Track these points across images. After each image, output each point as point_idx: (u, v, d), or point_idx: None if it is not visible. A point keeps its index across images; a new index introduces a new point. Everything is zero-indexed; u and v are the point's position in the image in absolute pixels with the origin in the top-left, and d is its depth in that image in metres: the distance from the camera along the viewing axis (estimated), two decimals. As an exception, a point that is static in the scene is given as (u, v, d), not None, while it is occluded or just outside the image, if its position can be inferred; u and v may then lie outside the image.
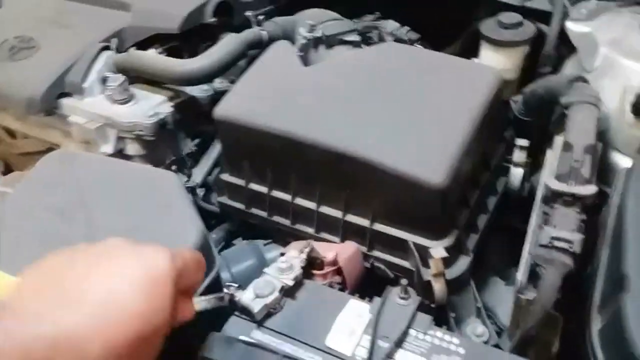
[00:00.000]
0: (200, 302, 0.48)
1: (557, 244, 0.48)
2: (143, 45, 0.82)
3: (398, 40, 0.79)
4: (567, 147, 0.55)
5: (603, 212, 0.60)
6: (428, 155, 0.56)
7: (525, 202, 0.75)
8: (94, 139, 0.74)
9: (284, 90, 0.66)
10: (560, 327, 0.55)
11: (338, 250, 0.60)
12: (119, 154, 0.75)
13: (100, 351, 0.32)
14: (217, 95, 0.80)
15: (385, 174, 0.57)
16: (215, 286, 0.59)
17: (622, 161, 0.63)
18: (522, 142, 0.65)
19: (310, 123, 0.61)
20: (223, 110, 0.66)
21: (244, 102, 0.66)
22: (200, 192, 0.82)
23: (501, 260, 0.75)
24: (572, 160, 0.53)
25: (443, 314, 0.60)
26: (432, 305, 0.60)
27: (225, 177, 0.71)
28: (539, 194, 0.60)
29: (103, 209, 0.57)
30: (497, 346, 0.61)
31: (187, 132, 0.80)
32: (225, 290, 0.52)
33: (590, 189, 0.52)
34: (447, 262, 0.59)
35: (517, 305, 0.57)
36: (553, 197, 0.54)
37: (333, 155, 0.59)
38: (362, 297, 0.54)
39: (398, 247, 0.61)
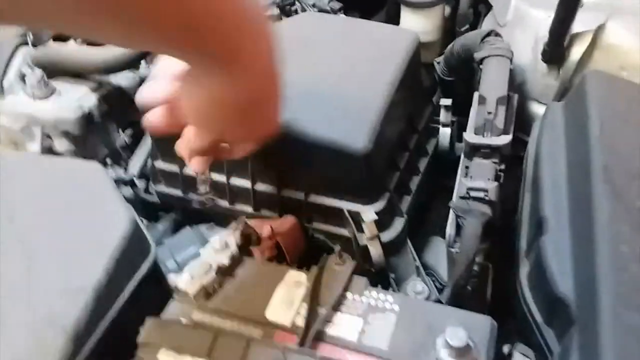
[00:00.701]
0: None
1: (473, 194, 0.50)
2: (61, 37, 0.79)
3: (321, 10, 0.79)
4: (481, 100, 0.57)
5: (524, 161, 0.62)
6: (349, 121, 0.57)
7: (459, 161, 0.78)
8: (20, 139, 0.71)
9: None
10: (490, 275, 0.57)
11: (275, 225, 0.61)
12: (49, 152, 0.74)
13: None
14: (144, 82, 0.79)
15: (311, 144, 0.57)
16: (153, 275, 0.59)
17: (541, 111, 0.65)
18: (446, 101, 0.67)
19: (233, 101, 0.61)
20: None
21: (167, 86, 0.65)
22: (141, 183, 0.81)
23: (442, 220, 0.77)
24: (486, 112, 0.55)
25: (384, 276, 0.62)
26: (373, 269, 0.61)
27: (159, 164, 0.70)
28: (462, 151, 0.61)
29: (28, 206, 0.56)
30: (438, 301, 0.63)
31: (118, 123, 0.79)
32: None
33: (505, 139, 0.54)
34: (382, 225, 0.60)
35: (450, 259, 0.59)
36: (472, 151, 0.55)
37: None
38: (304, 268, 0.55)
39: (334, 216, 0.62)
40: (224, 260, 0.55)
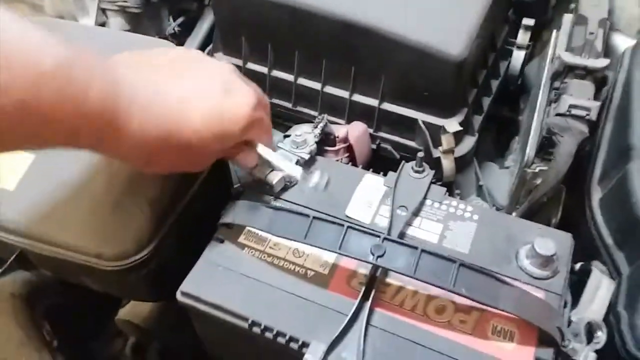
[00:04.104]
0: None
1: (574, 111, 0.49)
2: None
3: None
4: (581, 20, 0.55)
5: (604, 92, 0.61)
6: (445, 25, 0.54)
7: (516, 91, 0.77)
8: (70, 12, 0.66)
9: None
10: (562, 198, 0.57)
11: (348, 129, 0.59)
12: (99, 30, 0.69)
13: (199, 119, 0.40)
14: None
15: (399, 45, 0.55)
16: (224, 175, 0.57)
17: (623, 44, 0.64)
18: (528, 21, 0.65)
19: (316, -9, 0.58)
20: (221, -21, 0.61)
21: (244, -30, 0.60)
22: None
23: (492, 146, 0.77)
24: (587, 32, 0.53)
25: (449, 191, 0.62)
26: (439, 183, 0.61)
27: (219, 56, 0.67)
28: (546, 72, 0.60)
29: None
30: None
31: (169, 9, 0.74)
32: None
33: (604, 62, 0.53)
34: (455, 140, 0.59)
35: (521, 180, 0.59)
36: (566, 71, 0.54)
37: (341, 26, 0.56)
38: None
39: (406, 126, 0.61)
40: (304, 155, 0.53)
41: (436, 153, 0.59)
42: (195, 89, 0.41)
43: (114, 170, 0.47)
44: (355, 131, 0.59)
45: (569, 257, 0.48)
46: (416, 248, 0.43)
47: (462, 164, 0.62)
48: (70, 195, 0.46)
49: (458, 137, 0.60)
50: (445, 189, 0.53)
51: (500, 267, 0.47)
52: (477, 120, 0.63)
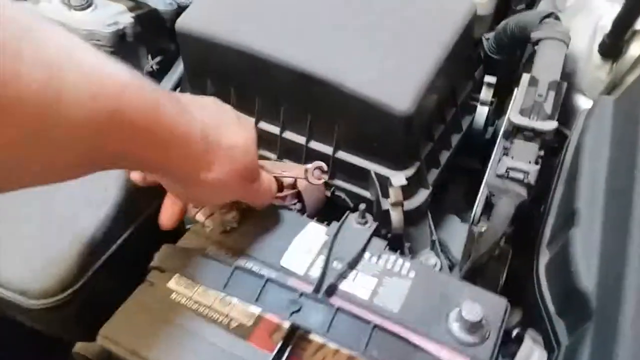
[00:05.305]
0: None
1: (512, 174, 0.49)
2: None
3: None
4: (532, 81, 0.55)
5: (561, 153, 0.61)
6: (394, 82, 0.55)
7: (487, 144, 0.76)
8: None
9: (253, 6, 0.63)
10: (509, 260, 0.56)
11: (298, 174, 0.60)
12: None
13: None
14: (181, 10, 0.76)
15: (350, 98, 0.56)
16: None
17: (584, 104, 0.63)
18: (490, 79, 0.65)
19: (277, 41, 0.59)
20: (186, 22, 0.63)
21: (210, 15, 0.62)
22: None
23: (460, 199, 0.77)
24: (536, 94, 0.53)
25: (399, 244, 0.61)
26: (389, 235, 0.60)
27: (187, 96, 0.68)
28: (502, 131, 0.60)
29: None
30: (448, 277, 0.62)
31: (148, 48, 0.77)
32: None
33: (551, 125, 0.53)
34: (407, 193, 0.59)
35: (470, 238, 0.58)
36: (514, 131, 0.54)
37: (298, 76, 0.57)
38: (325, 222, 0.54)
39: (359, 176, 0.61)
40: (246, 200, 0.54)
41: (386, 205, 0.59)
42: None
43: (46, 205, 0.48)
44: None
45: (501, 323, 0.47)
46: (332, 306, 0.42)
47: (415, 217, 0.61)
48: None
49: (409, 190, 0.59)
50: (385, 242, 0.53)
51: (430, 328, 0.46)
52: (433, 173, 0.63)
